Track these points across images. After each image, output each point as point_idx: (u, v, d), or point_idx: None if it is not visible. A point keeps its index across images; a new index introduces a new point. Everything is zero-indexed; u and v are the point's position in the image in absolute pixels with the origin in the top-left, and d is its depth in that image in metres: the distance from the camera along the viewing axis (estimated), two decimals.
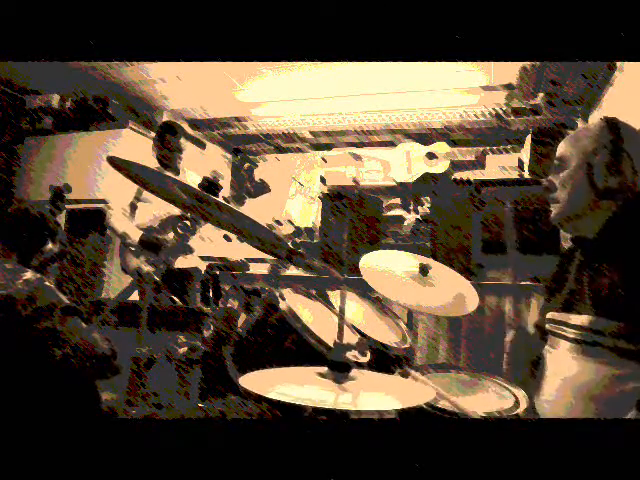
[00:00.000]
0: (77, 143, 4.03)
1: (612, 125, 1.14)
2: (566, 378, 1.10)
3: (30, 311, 1.36)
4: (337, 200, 2.79)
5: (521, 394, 1.39)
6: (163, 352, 1.55)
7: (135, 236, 2.75)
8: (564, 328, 1.13)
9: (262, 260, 3.07)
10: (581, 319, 1.08)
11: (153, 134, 4.26)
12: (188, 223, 1.49)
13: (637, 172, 1.10)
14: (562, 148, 1.21)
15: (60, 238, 1.67)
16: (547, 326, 1.21)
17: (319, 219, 3.28)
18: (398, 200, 4.31)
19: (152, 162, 2.96)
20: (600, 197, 1.11)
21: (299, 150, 5.08)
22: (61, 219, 3.72)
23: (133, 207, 2.91)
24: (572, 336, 1.10)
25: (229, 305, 2.19)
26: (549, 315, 1.21)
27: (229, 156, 5.16)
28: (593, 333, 1.05)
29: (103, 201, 3.58)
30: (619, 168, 1.09)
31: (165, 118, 4.42)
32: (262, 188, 2.56)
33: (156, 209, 2.83)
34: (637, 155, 1.11)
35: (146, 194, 2.86)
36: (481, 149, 4.43)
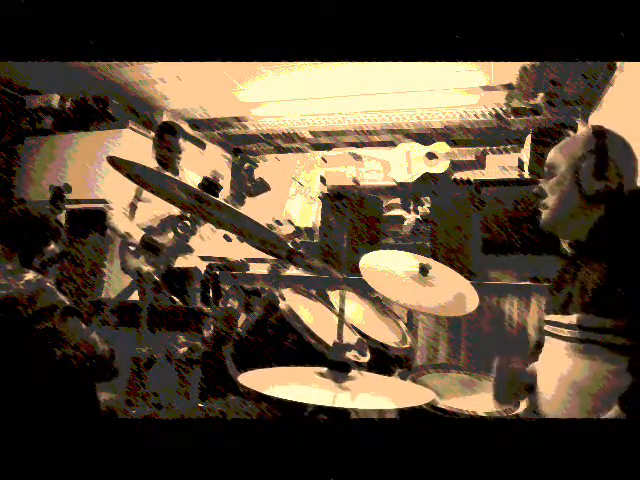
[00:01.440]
0: (77, 143, 4.03)
1: (598, 133, 1.18)
2: (562, 376, 1.12)
3: (31, 312, 1.36)
4: (337, 200, 2.79)
5: None
6: (163, 352, 1.55)
7: (136, 236, 2.75)
8: (558, 328, 1.16)
9: (262, 260, 3.06)
10: (573, 317, 1.10)
11: (153, 134, 4.27)
12: (188, 223, 1.49)
13: (622, 176, 1.14)
14: (552, 155, 1.25)
15: (62, 238, 1.67)
16: (545, 327, 1.23)
17: (319, 219, 3.28)
18: (398, 200, 4.30)
19: (152, 162, 2.96)
20: (588, 201, 1.15)
21: (299, 150, 5.08)
22: (61, 219, 3.72)
23: (133, 207, 2.91)
24: (566, 335, 1.13)
25: (229, 305, 2.19)
26: (547, 317, 1.24)
27: (229, 156, 5.16)
28: (585, 330, 1.07)
29: (103, 201, 3.59)
30: (604, 173, 1.13)
31: (165, 118, 4.41)
32: (262, 187, 2.55)
33: (156, 209, 2.83)
34: (622, 161, 1.15)
35: (146, 194, 2.86)
36: (481, 149, 4.43)
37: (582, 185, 1.15)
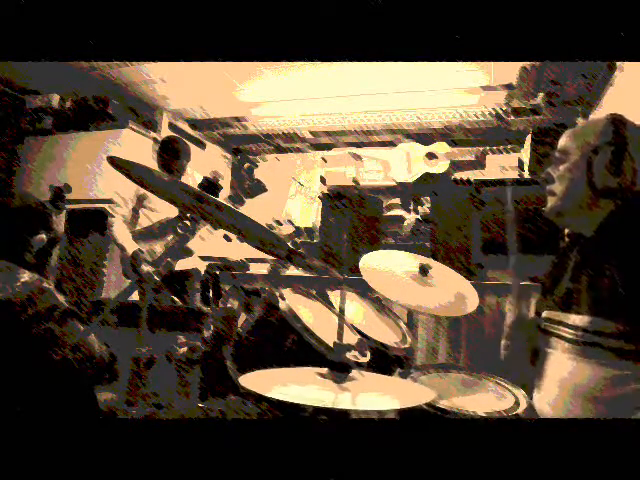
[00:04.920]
0: (77, 143, 4.03)
1: (617, 123, 1.11)
2: (564, 379, 1.09)
3: (29, 314, 1.34)
4: (337, 200, 2.79)
5: (521, 394, 1.39)
6: (163, 352, 1.55)
7: (130, 249, 2.72)
8: (562, 328, 1.13)
9: (262, 260, 3.06)
10: (579, 319, 1.07)
11: (153, 134, 4.26)
12: (188, 223, 1.49)
13: (637, 173, 1.08)
14: (564, 140, 1.19)
15: (52, 224, 1.56)
16: (544, 325, 1.20)
17: (319, 219, 3.28)
18: (398, 200, 4.31)
19: (152, 162, 2.95)
20: (598, 196, 1.10)
21: (299, 150, 5.08)
22: (61, 219, 3.71)
23: (136, 212, 2.90)
24: (570, 336, 1.09)
25: (229, 305, 2.19)
26: (546, 314, 1.20)
27: (229, 156, 5.16)
28: (591, 334, 1.04)
29: (103, 201, 3.58)
30: (620, 169, 1.07)
31: (165, 118, 4.41)
32: (259, 188, 2.56)
33: (159, 217, 2.82)
34: (638, 155, 1.09)
35: (149, 201, 2.85)
36: (481, 149, 4.43)
37: (594, 179, 1.09)
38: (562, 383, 1.09)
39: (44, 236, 1.52)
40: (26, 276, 1.40)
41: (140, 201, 2.88)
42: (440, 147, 4.43)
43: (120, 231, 2.79)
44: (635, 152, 1.09)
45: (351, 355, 1.24)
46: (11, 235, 1.48)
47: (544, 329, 1.19)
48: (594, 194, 1.10)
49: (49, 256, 1.59)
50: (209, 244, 2.94)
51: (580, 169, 1.12)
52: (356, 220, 2.74)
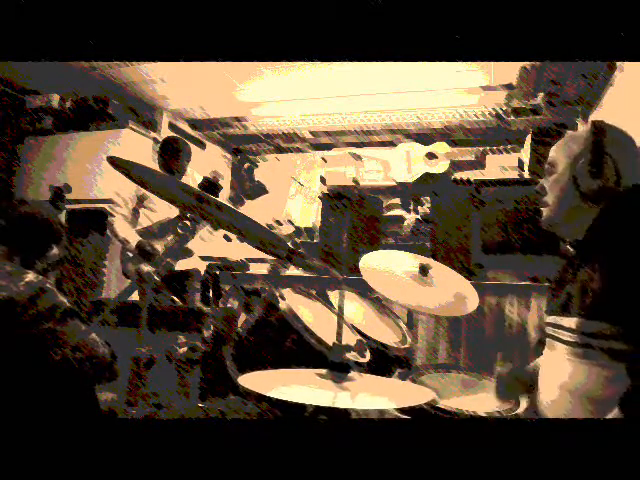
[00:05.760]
0: (77, 143, 4.03)
1: (597, 128, 1.14)
2: (562, 381, 1.11)
3: (31, 313, 1.35)
4: (337, 200, 2.79)
5: None
6: (163, 352, 1.55)
7: (134, 243, 2.73)
8: (559, 331, 1.15)
9: (262, 260, 3.07)
10: (574, 322, 1.08)
11: (153, 134, 4.26)
12: (188, 223, 1.49)
13: (620, 175, 1.10)
14: (552, 152, 1.23)
15: (63, 242, 1.64)
16: (546, 329, 1.22)
17: (319, 219, 3.28)
18: (398, 200, 4.31)
19: (152, 162, 2.95)
20: (586, 200, 1.13)
21: (299, 150, 5.08)
22: (61, 219, 3.71)
23: (136, 212, 2.90)
24: (566, 338, 1.11)
25: (229, 305, 2.19)
26: (548, 319, 1.22)
27: (229, 156, 5.16)
28: (584, 335, 1.05)
29: (103, 201, 3.58)
30: (600, 171, 1.10)
31: (165, 118, 4.41)
32: (260, 190, 2.56)
33: (159, 217, 2.82)
34: (621, 158, 1.11)
35: (149, 201, 2.85)
36: (481, 149, 4.43)
37: (579, 183, 1.13)
38: (561, 385, 1.11)
39: (57, 251, 1.56)
40: (30, 276, 1.41)
41: (140, 201, 2.88)
42: (440, 147, 4.42)
43: (121, 226, 2.80)
44: (616, 154, 1.11)
45: (351, 355, 1.24)
46: (30, 243, 1.53)
47: (547, 333, 1.22)
48: (582, 199, 1.14)
49: (56, 266, 1.64)
50: (209, 244, 2.94)
51: (567, 177, 1.16)
52: (356, 220, 2.75)
